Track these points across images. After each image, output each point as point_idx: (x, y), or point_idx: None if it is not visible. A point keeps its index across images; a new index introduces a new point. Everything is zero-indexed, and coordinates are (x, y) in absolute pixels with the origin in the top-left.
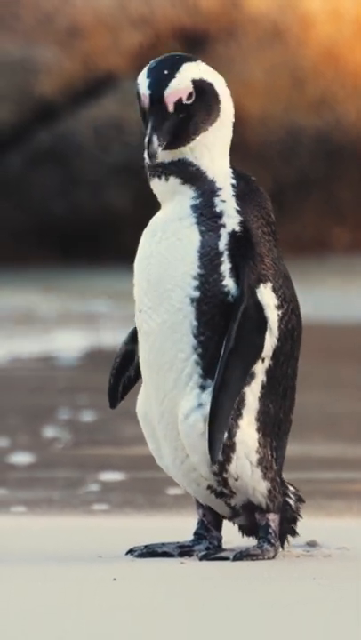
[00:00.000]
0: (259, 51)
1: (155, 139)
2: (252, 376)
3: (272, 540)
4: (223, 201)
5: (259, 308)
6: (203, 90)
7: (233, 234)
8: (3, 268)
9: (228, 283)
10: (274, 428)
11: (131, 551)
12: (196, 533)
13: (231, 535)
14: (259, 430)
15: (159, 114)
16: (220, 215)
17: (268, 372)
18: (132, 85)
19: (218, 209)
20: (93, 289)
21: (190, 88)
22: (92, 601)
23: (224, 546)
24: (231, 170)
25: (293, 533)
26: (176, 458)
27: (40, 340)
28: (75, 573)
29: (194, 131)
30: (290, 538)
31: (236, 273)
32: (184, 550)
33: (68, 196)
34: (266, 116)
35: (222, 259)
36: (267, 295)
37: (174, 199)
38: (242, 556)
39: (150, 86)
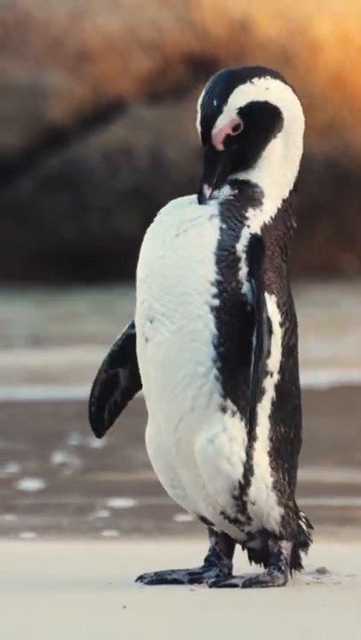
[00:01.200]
0: None
1: (205, 189)
2: (262, 392)
3: (283, 568)
4: (255, 216)
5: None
6: (253, 113)
7: (253, 237)
8: (13, 291)
9: (247, 290)
10: (286, 447)
11: (141, 578)
12: (207, 560)
13: (242, 563)
14: (272, 452)
15: (209, 154)
16: (245, 217)
17: (278, 388)
18: (141, 110)
19: (248, 213)
20: (101, 311)
21: (237, 119)
22: (102, 629)
23: (234, 573)
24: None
25: (300, 564)
26: (197, 485)
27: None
28: (84, 600)
29: (252, 155)
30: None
31: (251, 277)
32: (194, 577)
33: (77, 221)
34: None
35: (240, 264)
36: (271, 308)
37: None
38: (251, 582)
39: (201, 124)
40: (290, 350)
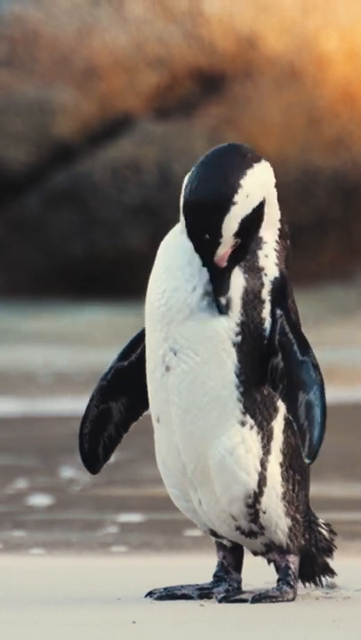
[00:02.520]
0: (275, 91)
1: (222, 302)
2: (277, 409)
3: (291, 582)
4: (266, 255)
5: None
6: (246, 227)
7: (275, 281)
8: (21, 306)
9: (267, 325)
10: (297, 460)
11: (150, 594)
12: (215, 575)
13: (251, 577)
14: (284, 463)
15: (217, 272)
16: (262, 268)
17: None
18: (149, 125)
19: (261, 263)
20: (110, 329)
21: (234, 239)
22: None
23: (244, 588)
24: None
25: (328, 571)
26: (211, 501)
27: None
28: (94, 616)
29: (250, 244)
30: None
31: (276, 312)
32: (203, 592)
33: (85, 236)
34: (282, 157)
35: (264, 305)
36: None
37: None
38: (261, 597)
39: (198, 251)
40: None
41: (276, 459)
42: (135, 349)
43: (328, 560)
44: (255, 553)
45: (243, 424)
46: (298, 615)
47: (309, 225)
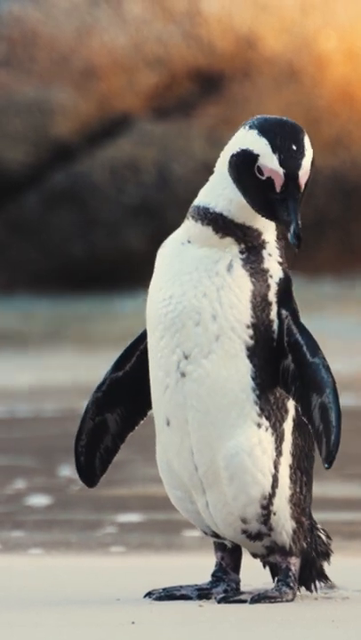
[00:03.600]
0: (274, 90)
1: (294, 227)
2: (287, 411)
3: (291, 584)
4: (270, 255)
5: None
6: (311, 165)
7: (280, 282)
8: (21, 305)
9: (275, 326)
10: (304, 461)
11: (149, 594)
12: (214, 575)
13: (249, 578)
14: (293, 465)
15: (295, 193)
16: (267, 270)
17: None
18: (148, 125)
19: (265, 265)
20: (109, 330)
21: (309, 168)
22: None
23: (242, 589)
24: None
25: (323, 577)
26: (219, 502)
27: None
28: (93, 617)
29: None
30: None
31: (281, 313)
32: (202, 593)
33: (84, 236)
34: None
35: (271, 307)
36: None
37: (218, 247)
38: (260, 598)
39: (284, 163)
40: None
41: (286, 460)
42: (130, 359)
43: (325, 565)
44: (255, 555)
45: (259, 426)
46: (297, 615)
47: (309, 225)
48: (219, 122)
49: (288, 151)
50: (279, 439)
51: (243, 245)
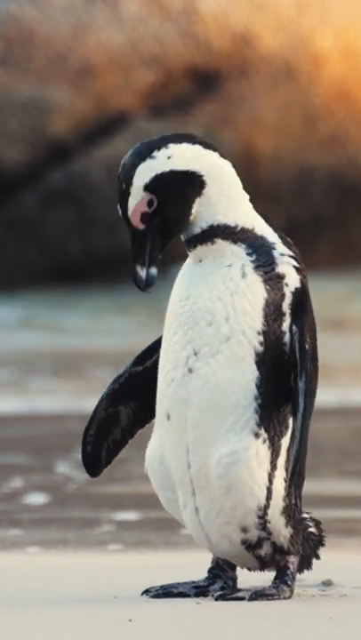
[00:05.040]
0: (271, 89)
1: (138, 270)
2: (288, 427)
3: (289, 582)
4: (282, 255)
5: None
6: (161, 186)
7: (296, 293)
8: (18, 305)
9: (287, 338)
10: (298, 476)
11: (146, 592)
12: (210, 572)
13: (246, 574)
14: (286, 479)
15: (134, 235)
16: (283, 276)
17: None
18: (144, 124)
19: (280, 269)
20: (106, 327)
21: (147, 196)
22: None
23: (239, 585)
24: (260, 216)
25: (310, 564)
26: (211, 510)
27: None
28: (90, 615)
29: (180, 220)
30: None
31: (292, 328)
32: (200, 590)
33: (82, 235)
34: (278, 155)
35: (284, 318)
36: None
37: (224, 256)
38: (257, 595)
39: (119, 207)
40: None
41: (280, 474)
42: (152, 355)
43: (316, 554)
44: (250, 569)
45: (257, 436)
46: (294, 613)
47: (305, 223)
48: (215, 120)
49: (120, 192)
50: (275, 454)
51: (248, 248)
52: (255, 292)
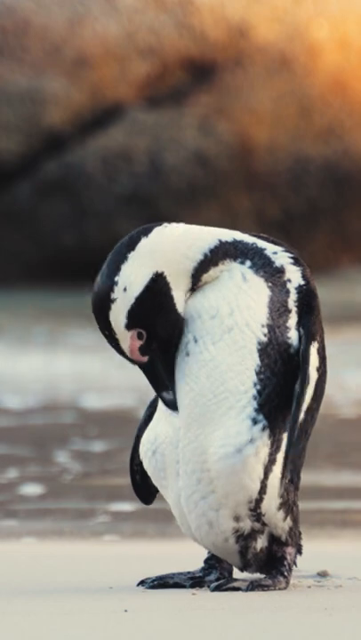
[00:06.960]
0: (266, 80)
1: (166, 396)
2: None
3: (285, 573)
4: (275, 253)
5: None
6: (139, 314)
7: (300, 290)
8: (13, 297)
9: (293, 335)
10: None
11: (142, 582)
12: (206, 562)
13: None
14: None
15: (143, 368)
16: (283, 269)
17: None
18: (140, 115)
19: (278, 263)
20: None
21: (133, 333)
22: (103, 633)
23: (234, 576)
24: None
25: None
26: (195, 492)
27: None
28: (86, 605)
29: (174, 321)
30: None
31: (300, 325)
32: (195, 581)
33: (77, 226)
34: (273, 146)
35: (290, 314)
36: (313, 356)
37: (222, 274)
38: (254, 586)
39: (118, 353)
40: (320, 394)
41: (278, 469)
42: None
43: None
44: (241, 569)
45: (255, 422)
46: (290, 603)
47: (301, 214)
48: (211, 111)
49: (107, 339)
50: (276, 446)
51: (239, 258)
52: (258, 290)
